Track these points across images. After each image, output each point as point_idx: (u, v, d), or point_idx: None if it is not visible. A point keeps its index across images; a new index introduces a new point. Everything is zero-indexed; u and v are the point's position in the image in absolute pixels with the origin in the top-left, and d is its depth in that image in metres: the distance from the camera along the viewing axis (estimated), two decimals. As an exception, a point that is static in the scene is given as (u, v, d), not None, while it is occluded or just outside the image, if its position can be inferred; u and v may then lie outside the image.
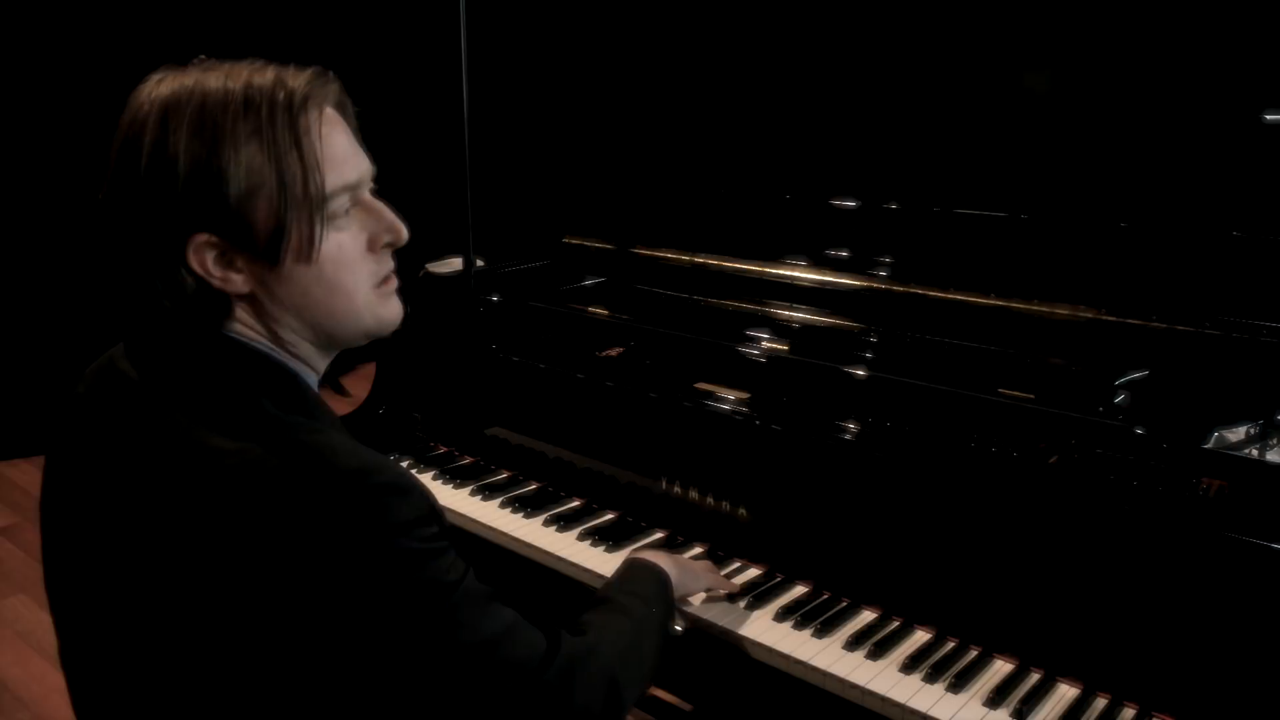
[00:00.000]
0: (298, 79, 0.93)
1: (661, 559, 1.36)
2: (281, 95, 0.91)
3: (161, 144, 0.88)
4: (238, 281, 0.92)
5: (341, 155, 0.95)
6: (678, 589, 1.34)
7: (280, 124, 0.90)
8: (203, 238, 0.90)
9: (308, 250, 0.92)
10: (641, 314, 2.00)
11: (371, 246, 0.98)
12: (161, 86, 0.91)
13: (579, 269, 2.24)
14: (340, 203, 0.94)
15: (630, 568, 1.32)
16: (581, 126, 2.52)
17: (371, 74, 4.61)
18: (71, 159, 4.16)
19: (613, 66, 2.44)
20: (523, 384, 1.91)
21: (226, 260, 0.91)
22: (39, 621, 3.09)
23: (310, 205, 0.91)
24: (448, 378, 2.07)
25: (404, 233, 1.00)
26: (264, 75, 0.92)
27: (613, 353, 1.94)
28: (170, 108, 0.89)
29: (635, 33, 2.38)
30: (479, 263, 2.23)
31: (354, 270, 0.96)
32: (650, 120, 2.30)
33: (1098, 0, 1.66)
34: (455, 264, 2.25)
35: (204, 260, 0.90)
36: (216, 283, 0.92)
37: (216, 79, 0.91)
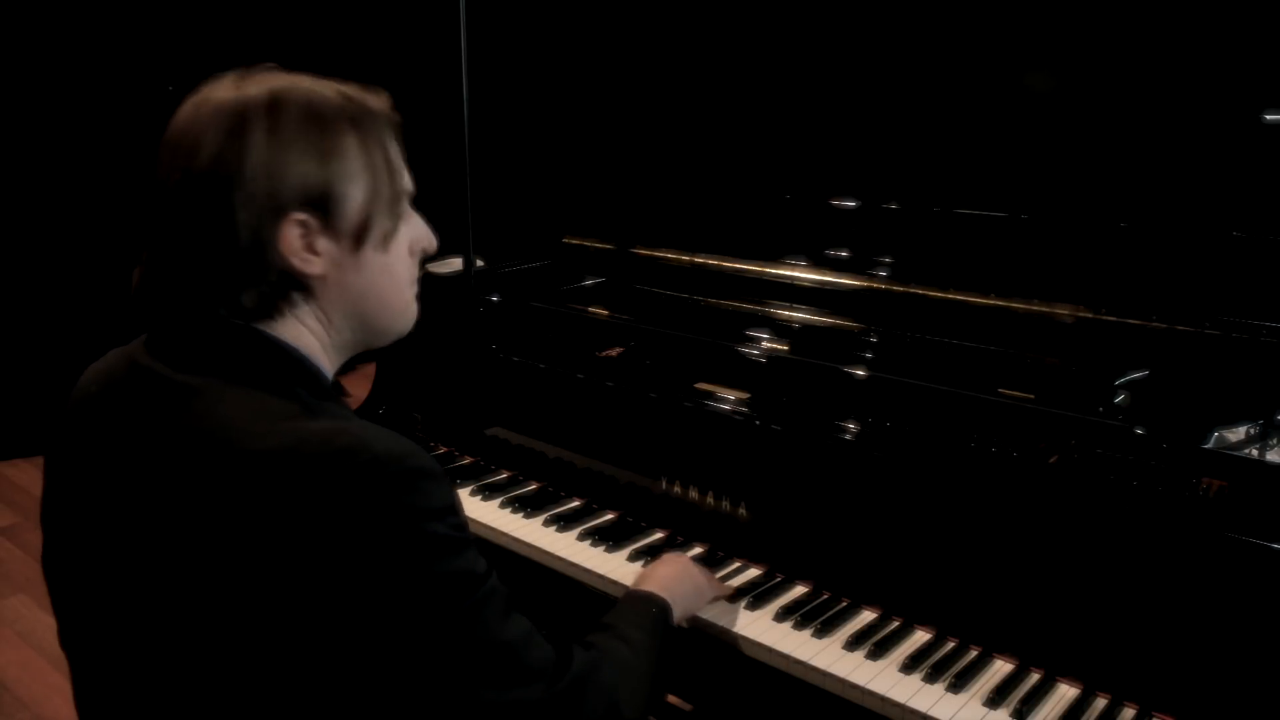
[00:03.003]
0: (377, 98, 1.04)
1: (662, 584, 1.34)
2: (373, 104, 1.03)
3: (274, 130, 0.95)
4: (316, 264, 0.98)
5: (403, 166, 1.06)
6: (680, 615, 1.33)
7: (376, 127, 1.02)
8: (299, 215, 0.96)
9: (385, 241, 1.03)
10: (641, 314, 2.00)
11: (411, 251, 1.09)
12: (250, 85, 0.97)
13: (579, 269, 2.24)
14: (405, 204, 1.06)
15: (633, 597, 1.32)
16: (581, 127, 2.52)
17: (371, 73, 4.61)
18: (71, 160, 4.15)
19: (612, 67, 2.44)
20: (523, 384, 1.91)
21: (308, 242, 0.97)
22: (39, 621, 3.09)
23: (393, 200, 1.03)
24: (448, 378, 2.07)
25: (435, 243, 1.12)
26: (351, 87, 1.03)
27: (613, 353, 1.94)
28: (279, 99, 0.96)
29: (635, 33, 2.38)
30: (479, 263, 2.24)
31: (407, 267, 1.08)
32: (650, 120, 2.30)
33: (1098, 0, 1.66)
34: (455, 264, 2.25)
35: (291, 239, 0.96)
36: (298, 262, 0.97)
37: (310, 83, 1.00)
